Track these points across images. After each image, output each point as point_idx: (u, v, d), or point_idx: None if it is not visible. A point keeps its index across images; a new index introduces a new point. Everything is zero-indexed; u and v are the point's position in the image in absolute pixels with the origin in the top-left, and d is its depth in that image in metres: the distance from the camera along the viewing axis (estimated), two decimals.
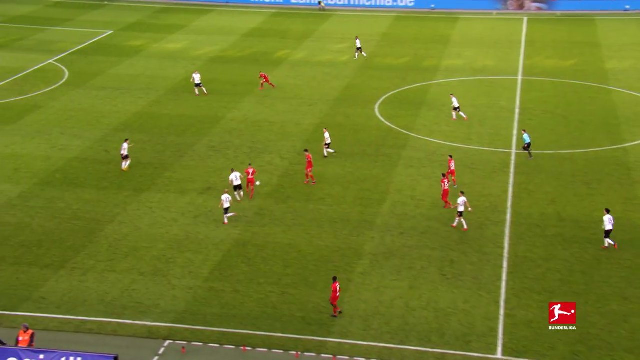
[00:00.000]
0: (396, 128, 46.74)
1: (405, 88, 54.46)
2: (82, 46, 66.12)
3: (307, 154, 39.21)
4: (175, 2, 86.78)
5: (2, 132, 46.03)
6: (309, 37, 69.78)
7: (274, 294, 29.82)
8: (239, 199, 36.84)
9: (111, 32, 71.68)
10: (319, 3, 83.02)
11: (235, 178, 36.87)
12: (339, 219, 35.67)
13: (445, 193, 35.97)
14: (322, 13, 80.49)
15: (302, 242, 33.60)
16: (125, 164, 40.23)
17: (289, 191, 38.43)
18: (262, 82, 53.17)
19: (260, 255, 32.55)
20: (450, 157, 38.79)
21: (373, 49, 65.45)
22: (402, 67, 59.74)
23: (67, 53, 63.64)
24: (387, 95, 52.76)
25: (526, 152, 41.66)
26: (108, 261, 32.04)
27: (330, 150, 41.97)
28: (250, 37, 70.10)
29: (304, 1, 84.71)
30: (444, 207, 35.94)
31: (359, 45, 61.40)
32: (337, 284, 28.06)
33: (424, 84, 55.32)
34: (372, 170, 40.69)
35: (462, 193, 34.81)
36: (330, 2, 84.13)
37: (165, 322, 27.99)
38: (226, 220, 34.91)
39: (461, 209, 34.17)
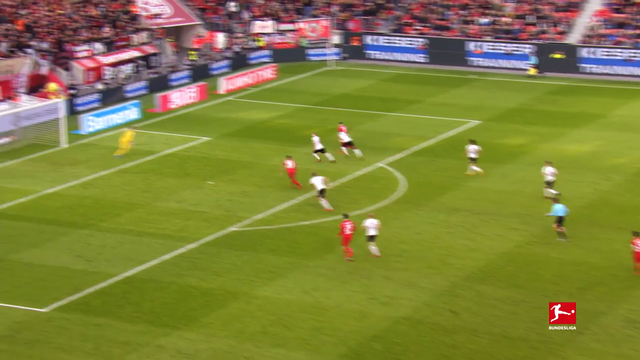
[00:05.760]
0: None
1: None
2: (430, 142, 68.84)
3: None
4: (588, 77, 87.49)
5: (300, 268, 48.36)
6: None
7: None
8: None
9: (478, 122, 74.32)
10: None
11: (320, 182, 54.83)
12: None
13: None
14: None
15: None
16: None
17: None
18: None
19: None
20: None
21: None
22: None
23: (406, 153, 66.41)
24: None
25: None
26: None
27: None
28: None
29: None
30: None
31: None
32: (347, 223, 47.09)
33: None
34: None
35: None
36: None
37: None
38: (374, 252, 48.25)
39: None
